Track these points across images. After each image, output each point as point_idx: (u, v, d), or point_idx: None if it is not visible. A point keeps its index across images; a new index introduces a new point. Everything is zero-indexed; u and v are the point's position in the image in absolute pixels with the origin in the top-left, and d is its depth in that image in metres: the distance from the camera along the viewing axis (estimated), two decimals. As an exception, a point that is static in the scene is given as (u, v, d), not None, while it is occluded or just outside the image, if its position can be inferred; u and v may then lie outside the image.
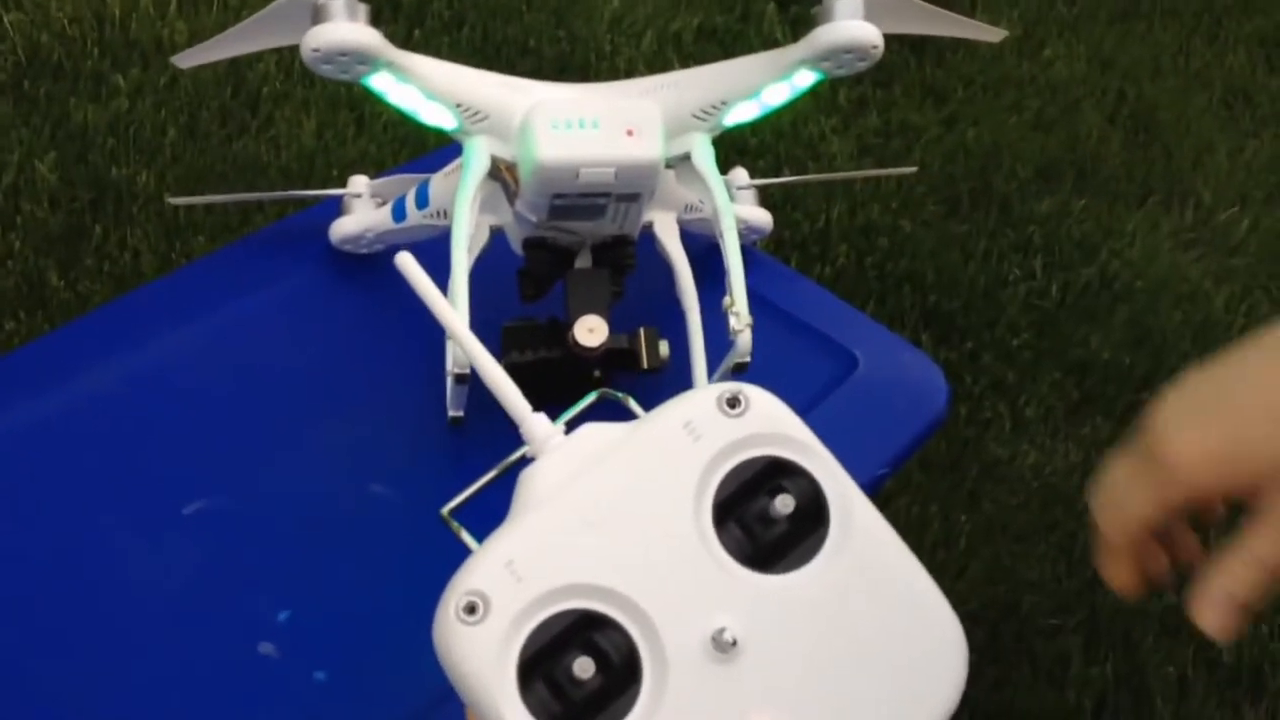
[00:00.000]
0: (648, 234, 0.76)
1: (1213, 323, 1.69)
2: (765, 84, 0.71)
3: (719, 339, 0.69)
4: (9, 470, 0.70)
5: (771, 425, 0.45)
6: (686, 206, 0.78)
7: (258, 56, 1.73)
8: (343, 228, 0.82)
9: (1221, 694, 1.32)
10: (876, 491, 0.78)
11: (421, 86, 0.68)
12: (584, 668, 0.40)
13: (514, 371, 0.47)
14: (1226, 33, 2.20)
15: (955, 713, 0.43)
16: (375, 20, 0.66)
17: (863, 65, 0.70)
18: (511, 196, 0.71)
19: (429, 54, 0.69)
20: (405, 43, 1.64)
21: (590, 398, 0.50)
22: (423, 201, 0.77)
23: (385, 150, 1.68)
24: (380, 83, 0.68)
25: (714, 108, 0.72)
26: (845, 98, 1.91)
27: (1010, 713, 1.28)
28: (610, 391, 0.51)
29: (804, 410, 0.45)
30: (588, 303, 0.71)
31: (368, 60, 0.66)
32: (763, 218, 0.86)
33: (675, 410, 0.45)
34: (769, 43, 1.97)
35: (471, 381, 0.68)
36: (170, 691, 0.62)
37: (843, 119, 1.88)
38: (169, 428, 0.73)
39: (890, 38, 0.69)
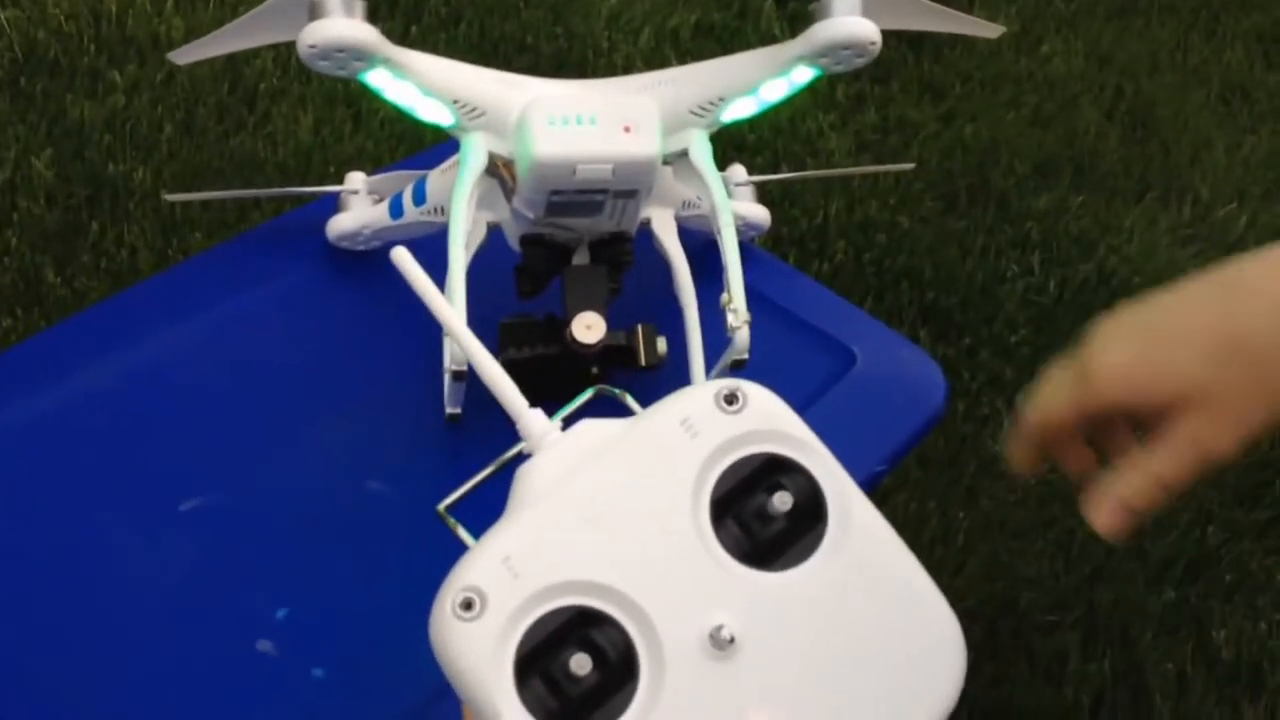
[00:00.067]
0: (645, 230, 0.76)
1: (1210, 319, 1.69)
2: (763, 80, 0.71)
3: (717, 336, 0.69)
4: (6, 467, 0.70)
5: (770, 422, 0.44)
6: (684, 203, 0.78)
7: (255, 53, 1.73)
8: (340, 224, 0.82)
9: (1220, 691, 1.32)
10: (874, 488, 0.78)
11: (418, 83, 0.68)
12: (581, 664, 0.40)
13: (511, 368, 0.47)
14: (1224, 29, 2.20)
15: (953, 710, 0.43)
16: (372, 16, 0.66)
17: (861, 61, 0.70)
18: (509, 193, 0.71)
19: (426, 50, 0.69)
20: (402, 39, 1.64)
21: (588, 394, 0.50)
22: (420, 198, 0.77)
23: (382, 147, 1.68)
24: (377, 79, 0.68)
25: (711, 104, 0.71)
26: (843, 94, 1.91)
27: (1008, 709, 1.28)
28: (608, 388, 0.51)
29: (802, 407, 0.45)
30: (585, 299, 0.71)
31: (364, 56, 0.66)
32: (760, 214, 0.86)
33: (673, 407, 0.45)
34: (767, 39, 1.97)
35: (469, 378, 0.68)
36: (168, 689, 0.62)
37: (841, 115, 1.88)
38: (166, 424, 0.73)
39: (888, 34, 0.69)
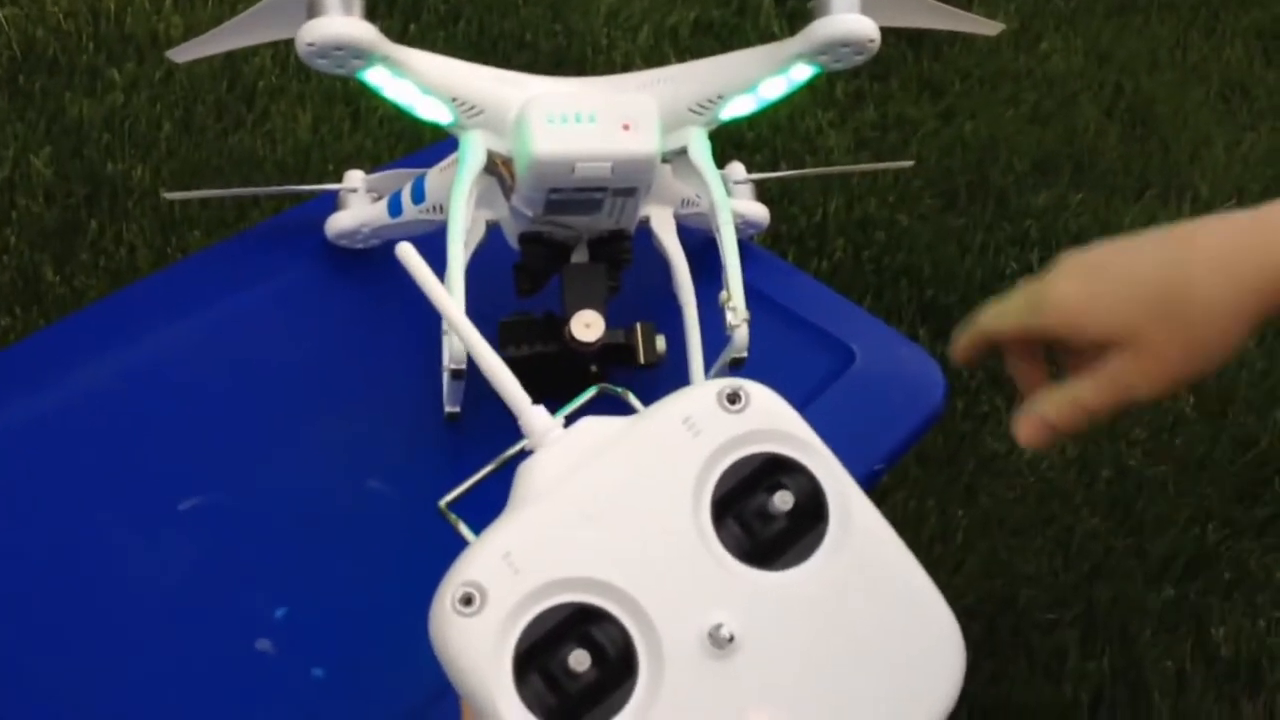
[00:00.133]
0: (644, 229, 0.76)
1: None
2: (762, 78, 0.71)
3: (716, 334, 0.69)
4: (5, 467, 0.69)
5: (771, 422, 0.44)
6: (683, 201, 0.78)
7: (253, 51, 1.73)
8: (339, 223, 0.82)
9: (1219, 688, 1.32)
10: (873, 486, 0.78)
11: (417, 81, 0.68)
12: (580, 661, 0.40)
13: (510, 366, 0.47)
14: (1224, 26, 2.20)
15: (952, 708, 0.43)
16: (370, 14, 0.66)
17: (860, 59, 0.70)
18: (507, 191, 0.71)
19: (424, 48, 0.69)
20: (401, 37, 1.64)
21: (590, 392, 0.50)
22: (419, 196, 0.77)
23: (381, 145, 1.68)
24: (376, 77, 0.68)
25: (710, 102, 0.71)
26: (842, 91, 1.91)
27: (1007, 707, 1.28)
28: (609, 386, 0.51)
29: (801, 405, 0.45)
30: (584, 298, 0.70)
31: (363, 55, 0.66)
32: (759, 212, 0.86)
33: (675, 405, 0.45)
34: (765, 37, 1.97)
35: (468, 377, 0.67)
36: (167, 688, 0.62)
37: (840, 113, 1.88)
38: (165, 423, 0.73)
39: (887, 31, 0.69)
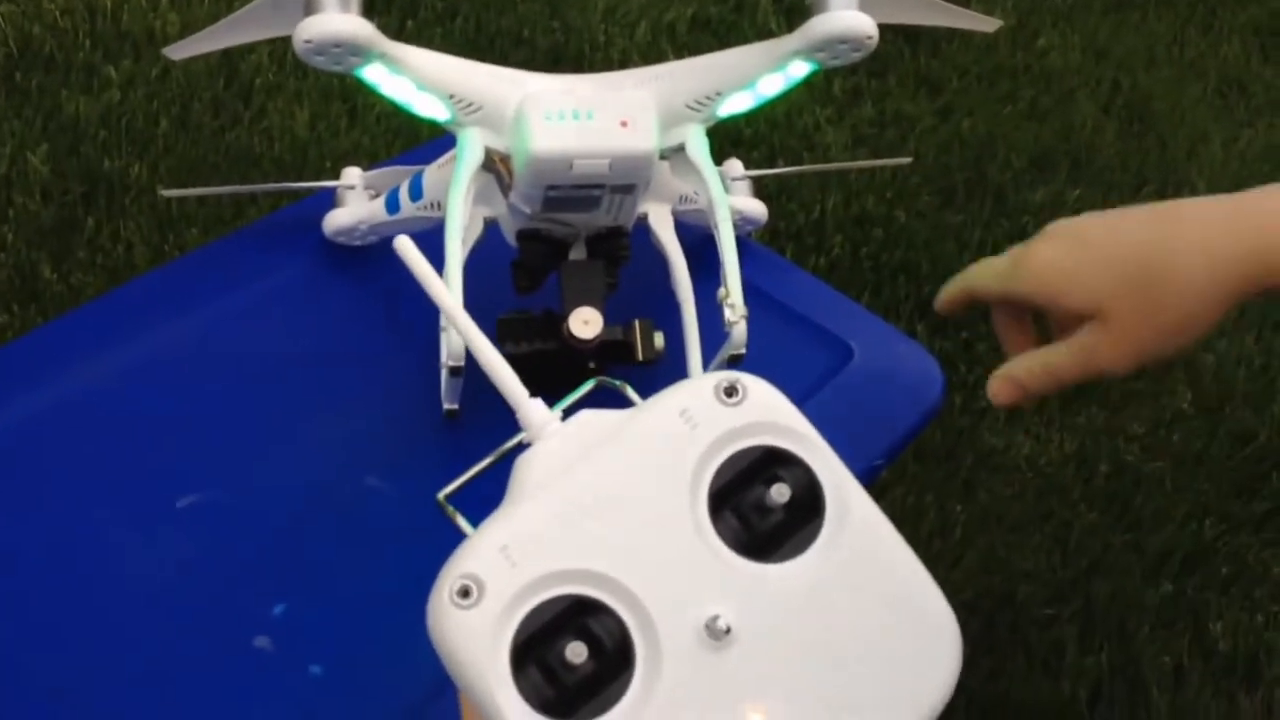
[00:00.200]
0: (642, 225, 0.76)
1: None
2: (760, 74, 0.71)
3: (714, 330, 0.69)
4: (2, 464, 0.69)
5: (769, 415, 0.45)
6: (681, 198, 0.78)
7: (250, 48, 1.73)
8: (336, 220, 0.82)
9: (1217, 683, 1.32)
10: (872, 482, 0.78)
11: (414, 78, 0.68)
12: (577, 653, 0.40)
13: (509, 364, 0.47)
14: (1221, 22, 2.20)
15: (950, 703, 0.43)
16: (368, 11, 0.66)
17: (857, 56, 0.70)
18: (505, 188, 0.71)
19: (421, 45, 0.69)
20: (398, 34, 1.64)
21: (588, 385, 0.50)
22: (416, 193, 0.77)
23: (378, 142, 1.68)
24: (373, 74, 0.68)
25: (708, 98, 0.71)
26: (840, 88, 1.91)
27: (1005, 703, 1.28)
28: (608, 380, 0.51)
29: (799, 401, 0.45)
30: (582, 294, 0.70)
31: (360, 52, 0.66)
32: (757, 209, 0.86)
33: (672, 398, 0.45)
34: (763, 33, 1.97)
35: (466, 374, 0.67)
36: (165, 686, 0.62)
37: (837, 109, 1.88)
38: (163, 421, 0.73)
39: (884, 28, 0.69)
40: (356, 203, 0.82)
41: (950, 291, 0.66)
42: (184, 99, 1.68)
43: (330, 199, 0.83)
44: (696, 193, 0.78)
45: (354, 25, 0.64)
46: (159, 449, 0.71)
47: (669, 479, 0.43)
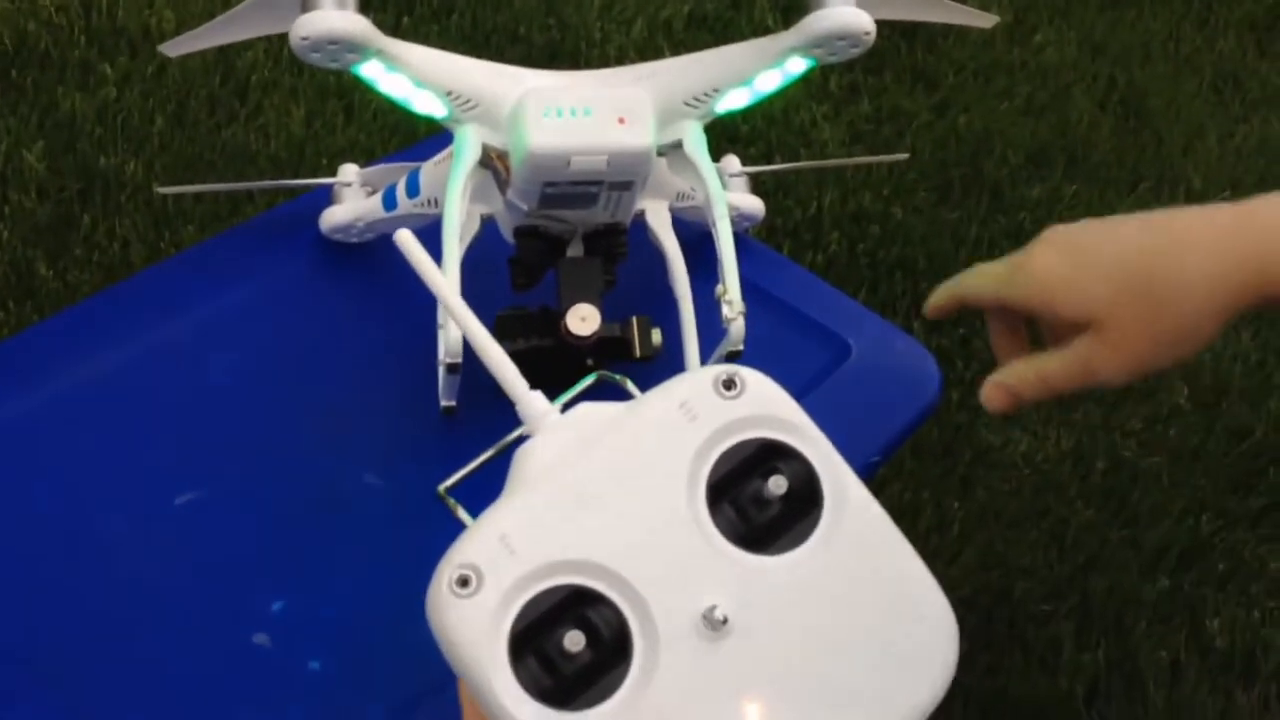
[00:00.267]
0: (640, 222, 0.76)
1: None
2: (757, 71, 0.71)
3: (712, 327, 0.69)
4: (-1, 462, 0.70)
5: (767, 407, 0.45)
6: (679, 194, 0.78)
7: (246, 45, 1.73)
8: (333, 217, 0.82)
9: (1214, 679, 1.33)
10: (869, 478, 0.78)
11: (411, 74, 0.68)
12: (574, 642, 0.40)
13: (507, 360, 0.47)
14: (1216, 18, 2.20)
15: (948, 700, 0.43)
16: (364, 8, 0.66)
17: (855, 52, 0.69)
18: (503, 185, 0.71)
19: (418, 42, 0.69)
20: (394, 30, 1.63)
21: (588, 380, 0.51)
22: (413, 190, 0.76)
23: (375, 139, 1.67)
24: (370, 71, 0.68)
25: (706, 95, 0.71)
26: (836, 84, 1.91)
27: (1003, 699, 1.28)
28: (608, 374, 0.51)
29: (797, 397, 0.46)
30: (580, 291, 0.70)
31: (357, 48, 0.66)
32: (755, 205, 0.86)
33: (672, 390, 0.45)
34: (760, 29, 1.97)
35: (464, 370, 0.67)
36: (165, 683, 0.62)
37: (834, 106, 1.88)
38: (160, 418, 0.73)
39: (881, 24, 0.69)
40: (353, 200, 0.82)
41: (940, 297, 0.66)
42: (180, 96, 1.68)
43: (327, 196, 0.83)
44: (694, 189, 0.78)
45: (350, 22, 0.64)
46: (156, 446, 0.71)
47: (667, 471, 0.43)
